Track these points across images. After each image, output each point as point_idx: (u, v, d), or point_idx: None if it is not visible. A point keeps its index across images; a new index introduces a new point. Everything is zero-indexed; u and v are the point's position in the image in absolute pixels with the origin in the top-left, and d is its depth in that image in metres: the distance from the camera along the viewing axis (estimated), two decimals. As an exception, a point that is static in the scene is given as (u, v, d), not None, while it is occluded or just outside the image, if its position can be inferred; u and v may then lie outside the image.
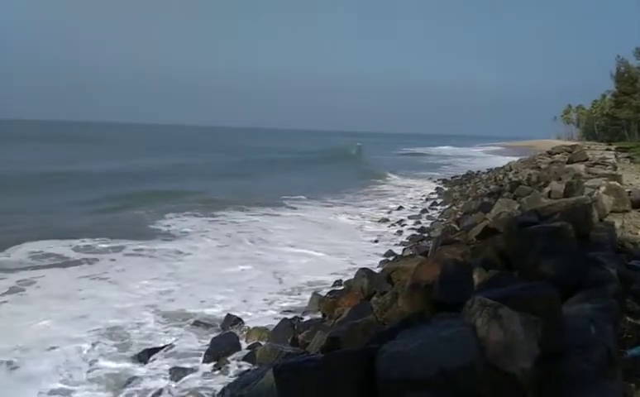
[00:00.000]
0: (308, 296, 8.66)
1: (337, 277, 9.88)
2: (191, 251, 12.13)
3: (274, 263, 11.22)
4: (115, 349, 6.88)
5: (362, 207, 20.61)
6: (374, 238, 14.22)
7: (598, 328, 3.18)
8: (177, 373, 6.21)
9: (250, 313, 8.17)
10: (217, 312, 8.19)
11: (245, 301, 8.77)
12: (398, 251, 12.04)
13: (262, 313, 8.26)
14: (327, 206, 20.43)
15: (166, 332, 7.46)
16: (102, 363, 6.49)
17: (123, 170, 31.74)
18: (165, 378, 6.16)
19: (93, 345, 6.89)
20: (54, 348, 6.77)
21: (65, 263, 10.85)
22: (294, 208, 19.20)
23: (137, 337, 7.26)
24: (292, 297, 9.06)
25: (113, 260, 11.15)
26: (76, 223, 14.87)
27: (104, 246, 12.17)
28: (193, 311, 8.25)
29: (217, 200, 19.80)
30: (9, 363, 6.35)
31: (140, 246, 12.26)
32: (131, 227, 14.69)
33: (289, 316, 7.86)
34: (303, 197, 22.06)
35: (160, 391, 5.87)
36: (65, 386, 5.97)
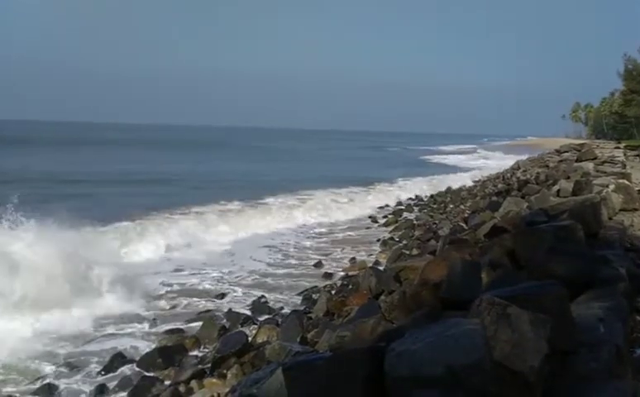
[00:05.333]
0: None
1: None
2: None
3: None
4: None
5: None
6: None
7: (607, 327, 3.17)
8: (186, 372, 6.24)
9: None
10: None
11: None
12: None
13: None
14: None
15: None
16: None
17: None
18: (174, 378, 6.20)
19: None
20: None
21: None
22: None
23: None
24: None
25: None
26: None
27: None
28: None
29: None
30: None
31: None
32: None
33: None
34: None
35: (169, 392, 5.90)
36: None
